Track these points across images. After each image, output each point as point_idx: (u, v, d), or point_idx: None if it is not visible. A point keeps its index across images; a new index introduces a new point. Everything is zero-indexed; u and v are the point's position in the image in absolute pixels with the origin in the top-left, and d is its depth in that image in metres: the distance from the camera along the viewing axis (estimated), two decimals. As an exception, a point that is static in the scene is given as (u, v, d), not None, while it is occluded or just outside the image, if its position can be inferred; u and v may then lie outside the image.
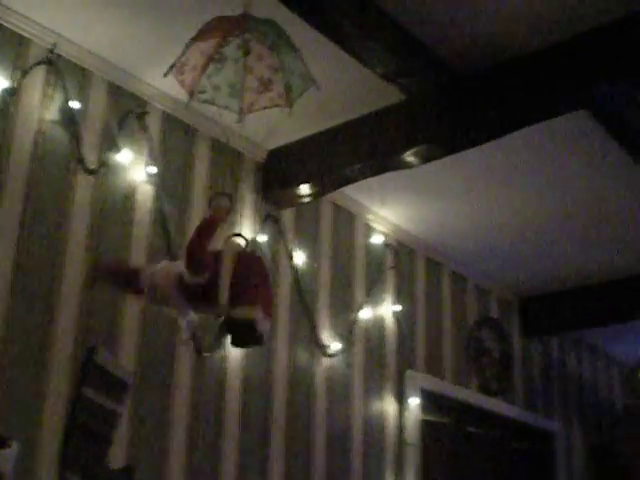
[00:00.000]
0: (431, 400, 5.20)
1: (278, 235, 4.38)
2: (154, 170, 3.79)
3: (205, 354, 3.83)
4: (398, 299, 5.09)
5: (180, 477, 3.62)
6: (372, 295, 4.91)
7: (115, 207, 3.63)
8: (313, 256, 4.57)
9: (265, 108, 2.66)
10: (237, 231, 3.81)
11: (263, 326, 2.66)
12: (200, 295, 2.71)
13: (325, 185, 4.33)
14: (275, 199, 4.41)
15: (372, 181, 4.34)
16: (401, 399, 4.93)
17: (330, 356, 4.50)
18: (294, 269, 4.43)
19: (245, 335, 2.70)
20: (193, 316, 2.91)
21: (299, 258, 4.47)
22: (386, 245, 5.09)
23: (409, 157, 3.99)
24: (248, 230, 4.16)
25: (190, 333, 3.27)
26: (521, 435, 6.13)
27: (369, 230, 5.02)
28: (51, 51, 3.46)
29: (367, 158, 4.11)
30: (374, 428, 4.71)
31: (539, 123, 3.74)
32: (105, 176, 3.61)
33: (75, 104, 3.50)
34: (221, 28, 2.55)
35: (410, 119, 3.94)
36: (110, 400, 3.35)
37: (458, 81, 3.72)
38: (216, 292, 2.64)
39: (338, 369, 4.55)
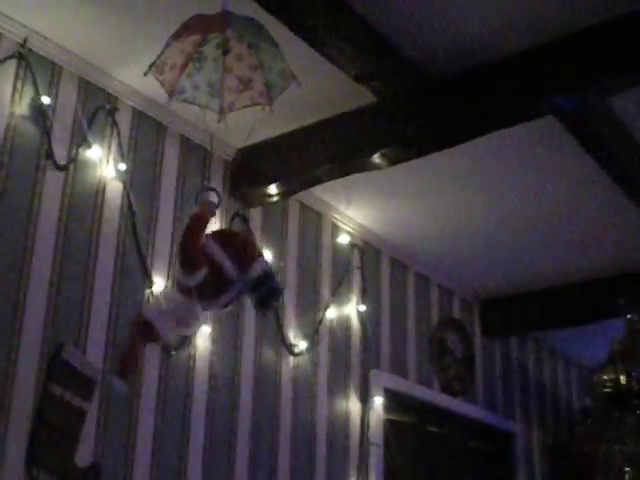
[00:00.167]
0: (395, 400, 5.23)
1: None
2: (124, 167, 3.78)
3: (172, 352, 3.82)
4: (363, 299, 5.12)
5: (146, 475, 3.61)
6: (338, 295, 4.93)
7: (84, 203, 3.61)
8: (280, 255, 4.57)
9: (246, 107, 2.67)
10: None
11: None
12: (205, 291, 2.72)
13: (293, 185, 4.34)
14: (243, 197, 4.41)
15: (339, 181, 4.36)
16: (365, 398, 4.96)
17: (296, 355, 4.52)
18: (261, 268, 4.42)
19: (269, 290, 2.75)
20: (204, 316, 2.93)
21: (266, 257, 4.46)
22: (352, 245, 5.11)
23: (377, 159, 4.01)
24: (216, 228, 4.15)
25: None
26: (482, 435, 6.20)
27: (336, 230, 5.04)
28: (22, 45, 3.42)
29: (335, 159, 4.13)
30: (338, 427, 4.73)
31: (506, 128, 3.80)
32: (75, 172, 3.59)
33: (46, 99, 3.47)
34: (200, 26, 2.55)
35: (379, 121, 3.96)
36: (77, 397, 3.33)
37: (429, 84, 3.75)
38: (220, 280, 2.65)
39: (304, 368, 4.56)
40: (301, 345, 4.55)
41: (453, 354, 5.92)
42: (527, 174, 4.55)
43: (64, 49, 3.57)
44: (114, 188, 3.75)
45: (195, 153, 4.17)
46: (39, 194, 3.43)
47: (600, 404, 5.68)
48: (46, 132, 3.48)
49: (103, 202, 3.69)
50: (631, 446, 5.39)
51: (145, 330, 2.95)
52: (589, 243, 5.37)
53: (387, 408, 5.11)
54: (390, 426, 5.10)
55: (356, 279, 5.12)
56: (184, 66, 2.56)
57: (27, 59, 3.44)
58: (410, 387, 5.42)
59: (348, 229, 5.10)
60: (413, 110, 3.85)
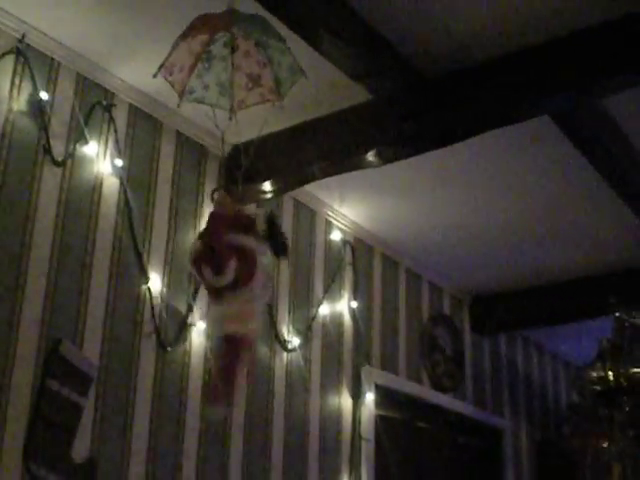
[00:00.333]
0: (386, 396, 5.27)
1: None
2: (120, 163, 3.79)
3: (168, 348, 3.83)
4: (355, 295, 5.14)
5: (142, 469, 3.62)
6: (330, 291, 4.95)
7: (81, 199, 3.61)
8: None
9: (256, 104, 2.68)
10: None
11: None
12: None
13: (287, 182, 4.36)
14: (238, 194, 4.41)
15: (333, 178, 4.37)
16: (357, 394, 4.99)
17: (290, 351, 4.54)
18: (255, 264, 4.44)
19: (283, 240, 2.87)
20: None
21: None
22: (344, 242, 5.14)
23: (371, 157, 4.03)
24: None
25: None
26: (471, 431, 6.24)
27: (329, 227, 5.06)
28: (20, 41, 3.43)
29: (330, 157, 4.15)
30: (331, 422, 4.76)
31: (501, 127, 3.83)
32: (72, 168, 3.59)
33: (44, 95, 3.48)
34: (207, 26, 2.55)
35: (374, 120, 3.98)
36: (74, 393, 3.34)
37: (424, 83, 3.77)
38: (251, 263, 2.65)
39: (297, 364, 4.59)
40: (294, 341, 4.58)
41: (443, 351, 5.96)
42: (519, 173, 4.59)
43: (62, 45, 3.57)
44: (111, 184, 3.75)
45: (191, 149, 4.19)
46: (37, 189, 3.43)
47: (589, 401, 5.74)
48: (44, 128, 3.48)
49: (100, 198, 3.70)
50: (620, 443, 5.44)
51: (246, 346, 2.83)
52: (579, 241, 5.42)
53: (378, 404, 5.14)
54: (381, 422, 5.14)
55: (348, 276, 5.15)
56: (193, 66, 2.57)
57: (25, 55, 3.44)
58: (401, 383, 5.46)
59: (341, 226, 5.13)
60: (408, 109, 3.87)
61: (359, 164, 4.12)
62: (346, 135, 4.08)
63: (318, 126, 4.16)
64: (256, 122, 3.35)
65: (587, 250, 5.53)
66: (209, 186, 4.25)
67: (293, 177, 4.32)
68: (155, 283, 3.84)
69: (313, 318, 4.77)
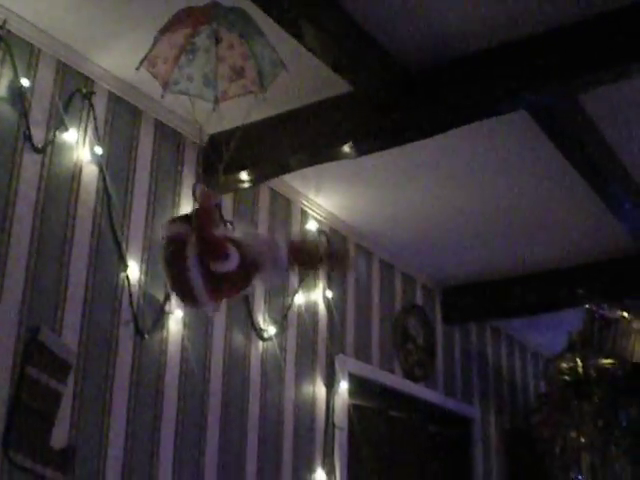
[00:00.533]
0: (359, 385, 5.32)
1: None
2: (100, 150, 3.79)
3: (146, 336, 3.85)
4: (330, 285, 5.18)
5: (120, 456, 3.64)
6: (306, 281, 4.99)
7: (61, 186, 3.61)
8: (250, 241, 4.60)
9: (239, 95, 2.70)
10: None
11: None
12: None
13: (264, 172, 4.38)
14: (215, 183, 4.43)
15: (309, 169, 4.41)
16: (331, 383, 5.03)
17: (265, 340, 4.57)
18: (232, 253, 4.46)
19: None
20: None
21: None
22: (320, 232, 5.17)
23: (347, 149, 4.06)
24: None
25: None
26: (442, 420, 6.31)
27: (304, 216, 5.09)
28: (1, 27, 3.40)
29: (307, 148, 4.18)
30: (305, 411, 4.80)
31: (479, 121, 3.88)
32: (52, 155, 3.59)
33: (25, 82, 3.47)
34: (190, 19, 2.57)
35: (353, 112, 4.01)
36: (54, 380, 3.35)
37: (405, 76, 3.80)
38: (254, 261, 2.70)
39: (273, 353, 4.62)
40: (270, 330, 4.61)
41: (415, 340, 6.02)
42: (493, 166, 4.65)
43: (43, 32, 3.56)
44: (90, 171, 3.75)
45: (169, 138, 4.19)
46: (17, 176, 3.43)
47: (558, 392, 5.83)
48: (24, 114, 3.48)
49: (79, 185, 3.69)
50: (588, 433, 5.54)
51: None
52: (550, 234, 5.49)
53: (352, 393, 5.19)
54: (354, 410, 5.19)
55: (323, 266, 5.17)
56: (177, 58, 2.58)
57: (6, 41, 3.43)
58: (374, 372, 5.51)
59: (317, 216, 5.16)
60: (387, 101, 3.90)
61: (335, 155, 4.15)
62: (324, 126, 4.11)
63: (296, 117, 4.18)
64: (234, 112, 3.38)
65: (558, 243, 5.61)
66: (187, 174, 4.27)
67: (270, 167, 4.34)
68: (133, 271, 3.85)
69: (289, 307, 4.81)
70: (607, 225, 5.16)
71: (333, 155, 4.15)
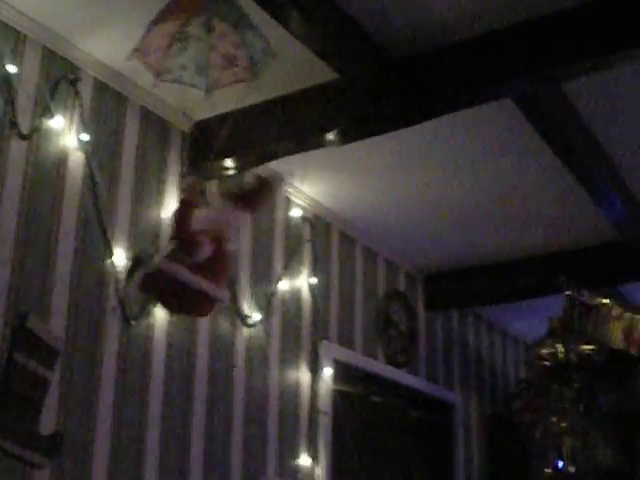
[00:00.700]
0: (343, 370, 5.36)
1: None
2: (86, 137, 3.78)
3: (132, 322, 3.86)
4: (314, 272, 5.21)
5: (107, 442, 3.66)
6: (290, 267, 5.01)
7: (47, 173, 3.61)
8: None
9: (231, 84, 2.72)
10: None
11: None
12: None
13: (249, 159, 4.39)
14: (201, 170, 4.44)
15: (294, 156, 4.42)
16: (315, 369, 5.07)
17: (250, 326, 4.60)
18: (217, 240, 4.48)
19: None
20: None
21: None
22: (304, 219, 5.19)
23: (332, 136, 4.07)
24: (173, 200, 4.19)
25: None
26: (423, 405, 6.37)
27: (288, 203, 5.11)
28: (-13, 13, 3.41)
29: (292, 135, 4.19)
30: (289, 396, 4.84)
31: (464, 109, 3.91)
32: (38, 142, 3.59)
33: (11, 68, 3.46)
34: (182, 9, 2.58)
35: (338, 99, 4.02)
36: (41, 366, 3.36)
37: (390, 64, 3.82)
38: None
39: (257, 339, 4.64)
40: (255, 316, 4.63)
41: (398, 327, 6.06)
42: (475, 154, 4.68)
43: (28, 17, 3.55)
44: (76, 158, 3.75)
45: (155, 125, 4.20)
46: (3, 163, 3.43)
47: (539, 377, 5.89)
48: (10, 101, 3.47)
49: (65, 172, 3.70)
50: (569, 418, 5.61)
51: None
52: (532, 221, 5.53)
53: (336, 379, 5.23)
54: (338, 396, 5.23)
55: (307, 252, 5.20)
56: (169, 48, 2.59)
57: (-8, 27, 3.43)
58: (357, 358, 5.55)
59: (301, 203, 5.18)
60: (373, 89, 3.92)
61: (320, 143, 4.17)
62: (309, 114, 4.12)
63: (282, 104, 4.18)
64: (220, 99, 3.39)
65: (540, 230, 5.66)
66: (173, 161, 4.27)
67: (255, 154, 4.35)
68: (119, 257, 3.85)
69: (273, 294, 4.83)
70: (590, 213, 5.21)
71: (319, 142, 4.16)
